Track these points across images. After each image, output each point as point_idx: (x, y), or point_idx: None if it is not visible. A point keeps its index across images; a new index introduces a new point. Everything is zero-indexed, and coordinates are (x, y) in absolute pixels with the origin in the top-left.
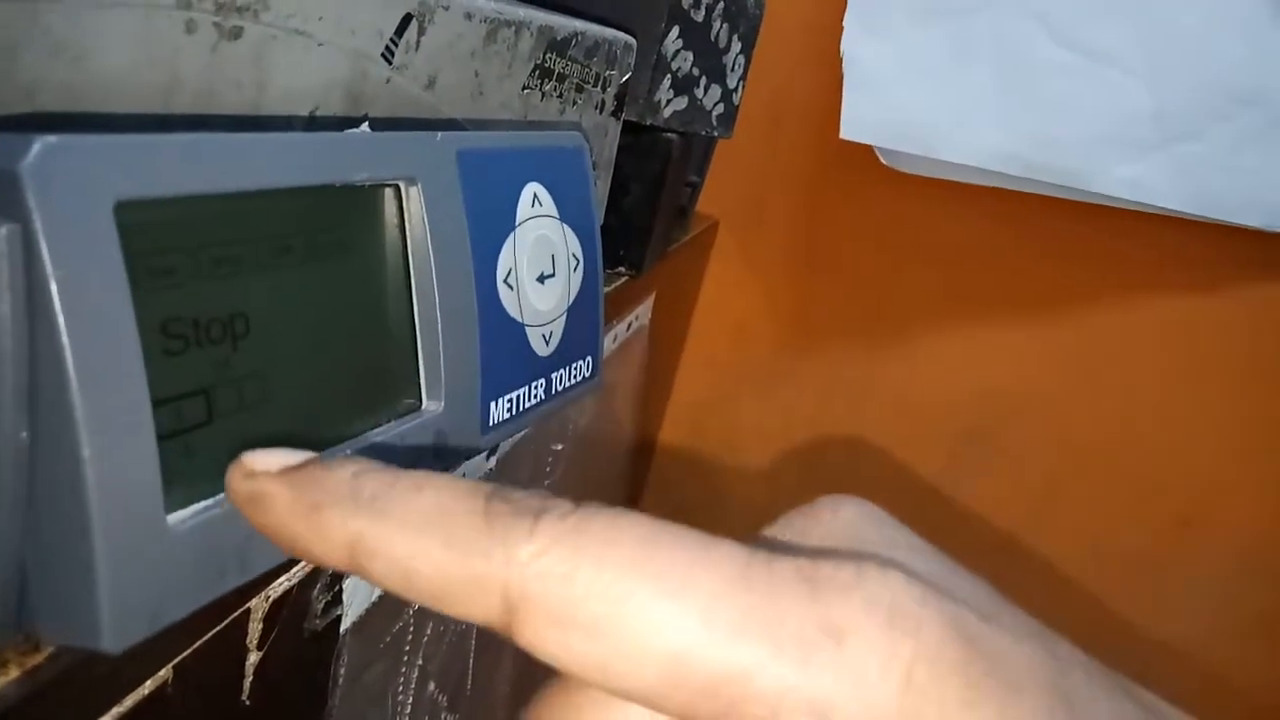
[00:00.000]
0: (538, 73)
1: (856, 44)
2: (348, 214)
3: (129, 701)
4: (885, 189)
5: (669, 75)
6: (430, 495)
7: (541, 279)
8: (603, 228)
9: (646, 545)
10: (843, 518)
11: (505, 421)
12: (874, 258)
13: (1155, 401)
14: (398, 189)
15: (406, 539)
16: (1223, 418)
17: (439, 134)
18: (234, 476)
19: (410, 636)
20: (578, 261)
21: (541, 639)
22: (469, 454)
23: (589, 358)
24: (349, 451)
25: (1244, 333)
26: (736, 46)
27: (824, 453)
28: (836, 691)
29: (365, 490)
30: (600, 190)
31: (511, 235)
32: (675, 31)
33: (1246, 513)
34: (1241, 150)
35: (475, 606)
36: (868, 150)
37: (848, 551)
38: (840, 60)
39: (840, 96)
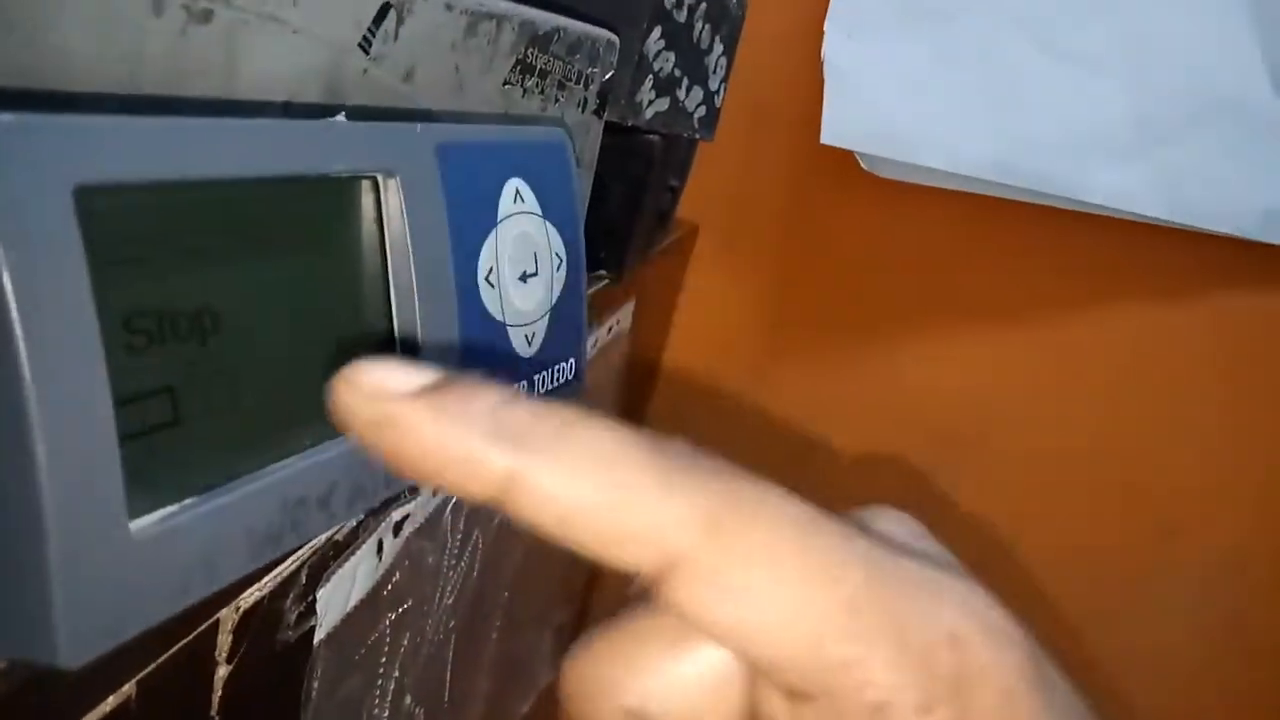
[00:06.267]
0: (519, 68)
1: (837, 49)
2: (323, 207)
3: None
4: (866, 195)
5: (651, 75)
6: (590, 438)
7: (524, 278)
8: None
9: (803, 530)
10: (895, 531)
11: None
12: (855, 264)
13: (1135, 409)
14: (375, 181)
15: (568, 483)
16: (1203, 426)
17: (418, 125)
18: (350, 396)
19: (386, 648)
20: (560, 260)
21: (691, 597)
22: None
23: (571, 360)
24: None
25: (1222, 341)
26: (719, 48)
27: (805, 459)
28: (943, 694)
29: (513, 422)
30: (582, 190)
31: (493, 232)
32: (658, 31)
33: (1227, 521)
34: (1221, 157)
35: (631, 554)
36: (849, 156)
37: (944, 561)
38: (821, 65)
39: (821, 101)
